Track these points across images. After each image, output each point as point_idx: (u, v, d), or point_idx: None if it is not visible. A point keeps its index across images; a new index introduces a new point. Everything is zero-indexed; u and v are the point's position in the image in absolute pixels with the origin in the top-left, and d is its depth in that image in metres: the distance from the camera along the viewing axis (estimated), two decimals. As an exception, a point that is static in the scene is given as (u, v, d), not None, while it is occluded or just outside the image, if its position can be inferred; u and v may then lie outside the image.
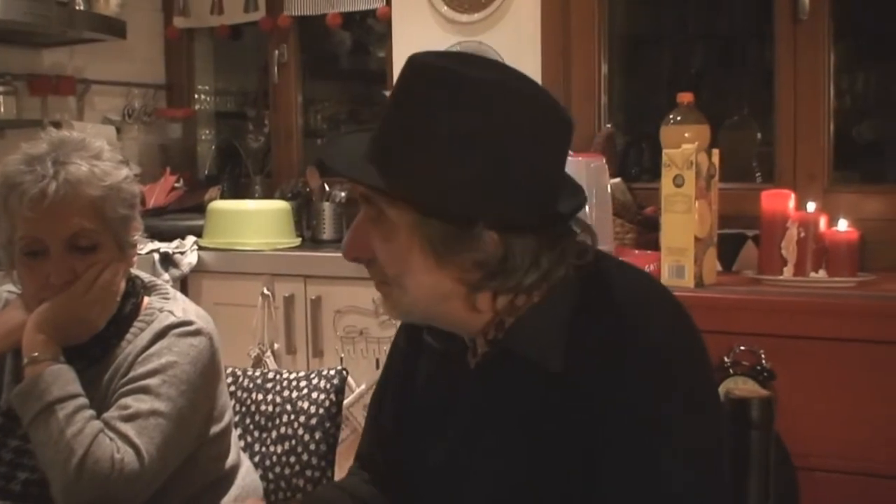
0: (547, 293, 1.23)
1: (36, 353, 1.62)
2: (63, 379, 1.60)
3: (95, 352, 1.71)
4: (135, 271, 1.83)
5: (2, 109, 3.49)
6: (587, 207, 2.70)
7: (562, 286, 1.23)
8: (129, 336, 1.72)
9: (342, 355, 3.08)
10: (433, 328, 1.33)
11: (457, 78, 1.16)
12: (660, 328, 1.20)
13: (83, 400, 1.60)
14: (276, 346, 3.25)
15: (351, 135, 1.30)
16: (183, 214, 3.68)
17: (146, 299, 1.78)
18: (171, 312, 1.74)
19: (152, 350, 1.68)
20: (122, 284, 1.74)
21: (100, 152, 1.71)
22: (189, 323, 1.72)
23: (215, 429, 1.77)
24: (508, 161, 1.15)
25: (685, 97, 2.56)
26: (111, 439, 1.56)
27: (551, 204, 1.21)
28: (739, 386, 2.12)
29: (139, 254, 3.09)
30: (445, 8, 3.38)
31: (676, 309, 1.24)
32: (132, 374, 1.65)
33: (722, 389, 2.24)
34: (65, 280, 1.66)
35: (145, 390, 1.62)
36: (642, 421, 1.14)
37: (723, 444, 1.22)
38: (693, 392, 1.19)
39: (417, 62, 1.20)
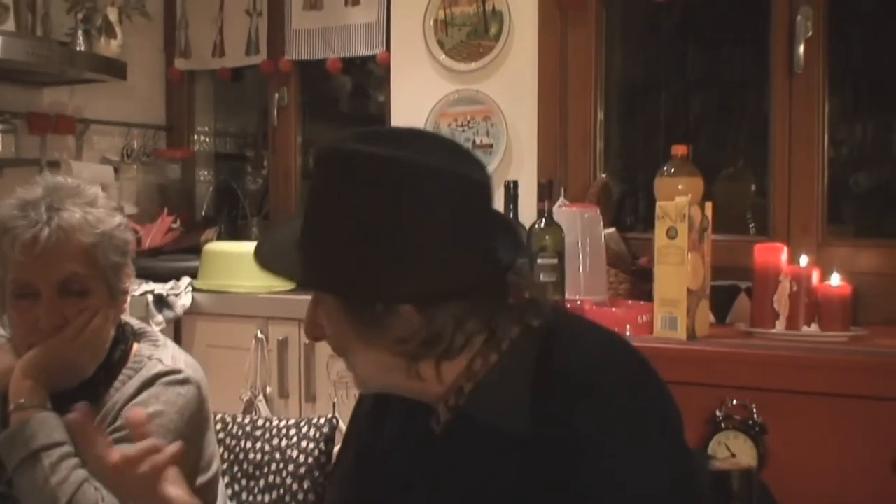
0: (504, 355, 1.23)
1: (22, 400, 1.62)
2: (49, 426, 1.60)
3: (84, 398, 1.71)
4: (126, 318, 1.83)
5: (0, 148, 3.49)
6: (580, 256, 2.73)
7: (519, 347, 1.23)
8: (117, 384, 1.72)
9: (335, 401, 3.07)
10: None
11: (348, 157, 1.17)
12: (621, 383, 1.19)
13: (68, 448, 1.60)
14: (268, 389, 3.24)
15: (293, 221, 1.29)
16: (179, 255, 3.67)
17: (136, 346, 1.79)
18: (159, 360, 1.74)
19: (139, 399, 1.68)
20: (112, 331, 1.74)
21: (94, 199, 1.72)
22: (177, 371, 1.72)
23: (202, 479, 1.76)
24: (400, 237, 1.15)
25: (679, 149, 2.57)
26: (96, 489, 1.56)
27: (468, 267, 1.19)
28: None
29: (133, 296, 3.08)
30: (444, 56, 3.41)
31: (638, 361, 1.24)
32: (119, 422, 1.65)
33: (713, 445, 2.27)
34: (54, 325, 1.66)
35: (131, 440, 1.62)
36: (612, 479, 1.13)
37: (698, 490, 1.21)
38: (662, 443, 1.18)
39: (323, 149, 1.23)
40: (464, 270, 1.18)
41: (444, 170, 1.18)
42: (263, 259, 1.26)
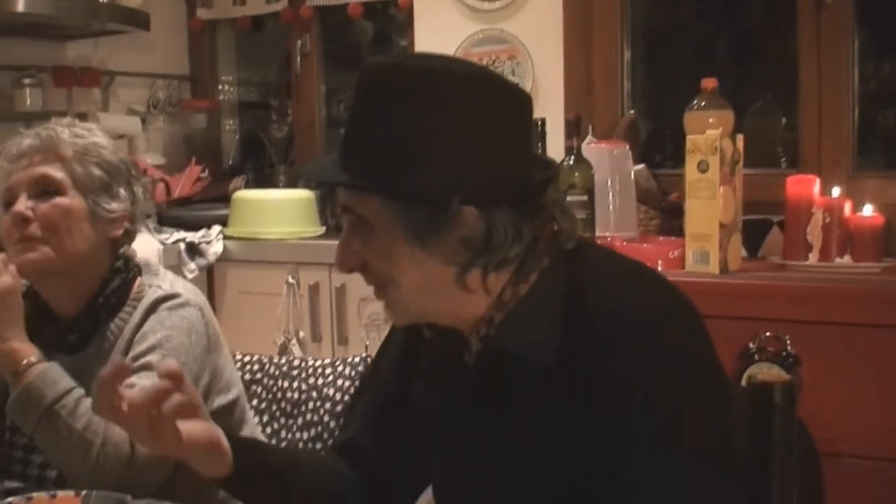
0: (533, 286, 1.24)
1: (16, 366, 1.59)
2: (50, 378, 1.58)
3: (87, 330, 1.72)
4: (141, 258, 1.84)
5: (28, 102, 3.51)
6: (610, 194, 2.72)
7: (548, 278, 1.24)
8: (123, 315, 1.73)
9: (367, 343, 3.09)
10: (431, 326, 1.33)
11: (403, 70, 1.22)
12: (649, 318, 1.19)
13: (79, 391, 1.58)
14: (301, 334, 3.27)
15: (329, 155, 1.31)
16: (208, 204, 3.69)
17: (138, 280, 1.78)
18: (158, 287, 1.75)
19: (146, 328, 1.69)
20: (88, 236, 1.72)
21: (90, 129, 1.77)
22: (176, 295, 1.73)
23: (221, 401, 1.77)
24: (471, 138, 1.19)
25: (709, 83, 2.55)
26: None
27: (523, 175, 1.23)
28: (763, 371, 2.11)
29: (165, 245, 3.09)
30: (467, -5, 3.39)
31: (668, 294, 1.24)
32: (131, 353, 1.65)
33: (746, 375, 2.27)
34: (24, 219, 1.68)
35: (147, 368, 1.60)
36: (644, 405, 1.15)
37: (729, 414, 1.21)
38: (692, 369, 1.19)
39: (367, 65, 1.25)
40: (526, 176, 1.23)
41: (503, 84, 1.25)
42: (311, 173, 1.27)
